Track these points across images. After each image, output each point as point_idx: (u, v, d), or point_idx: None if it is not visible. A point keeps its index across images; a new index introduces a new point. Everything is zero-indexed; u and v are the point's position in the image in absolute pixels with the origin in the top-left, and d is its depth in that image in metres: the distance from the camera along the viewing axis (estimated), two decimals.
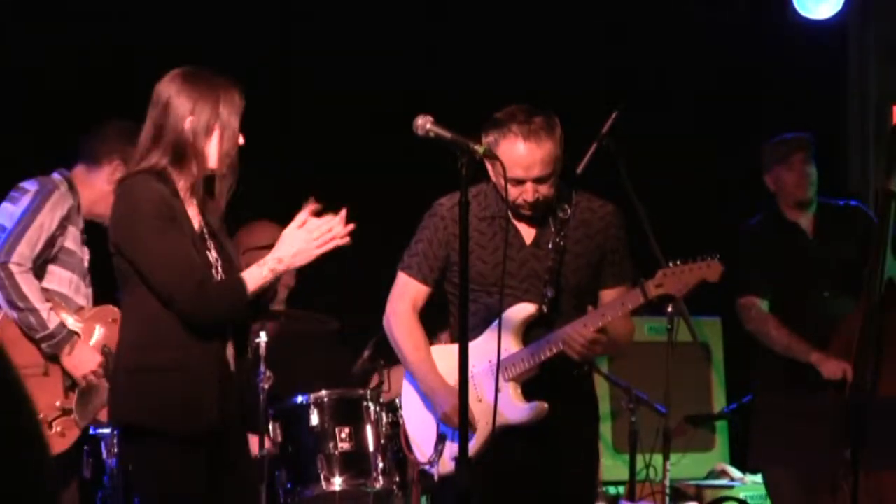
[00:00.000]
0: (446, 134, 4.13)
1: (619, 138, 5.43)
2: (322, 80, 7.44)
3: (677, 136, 7.85)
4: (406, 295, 4.87)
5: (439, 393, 4.75)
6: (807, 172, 6.19)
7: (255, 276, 4.22)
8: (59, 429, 5.22)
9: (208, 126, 4.22)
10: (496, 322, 4.64)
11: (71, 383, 5.29)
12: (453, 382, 4.47)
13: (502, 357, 4.57)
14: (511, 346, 4.70)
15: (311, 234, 4.23)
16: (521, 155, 4.58)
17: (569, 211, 4.80)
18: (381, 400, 6.05)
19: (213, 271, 4.28)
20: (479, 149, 4.17)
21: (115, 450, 5.76)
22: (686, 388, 7.29)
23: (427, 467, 4.87)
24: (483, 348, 4.66)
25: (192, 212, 4.29)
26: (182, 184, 4.25)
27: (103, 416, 5.33)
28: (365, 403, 6.07)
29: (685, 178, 7.84)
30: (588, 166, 5.54)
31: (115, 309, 5.38)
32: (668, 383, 6.33)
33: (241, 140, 4.28)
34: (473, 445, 4.56)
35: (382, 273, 5.01)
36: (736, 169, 7.94)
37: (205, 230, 4.32)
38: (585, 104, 6.26)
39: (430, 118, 4.15)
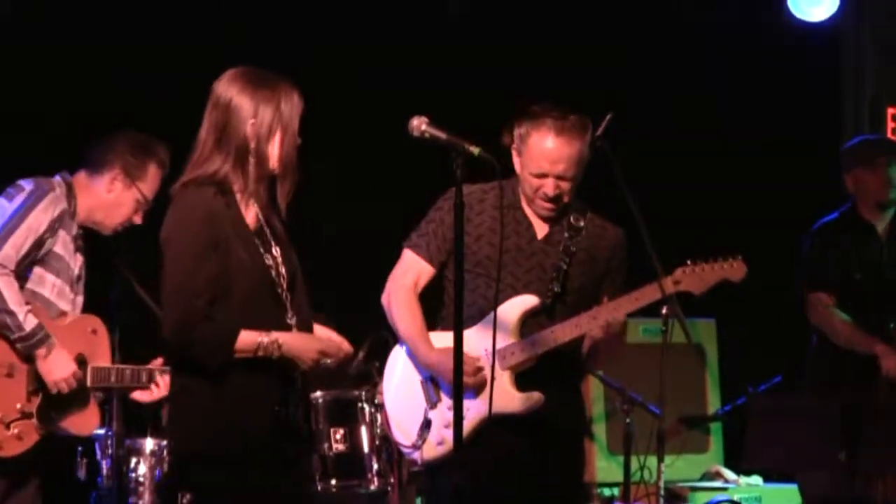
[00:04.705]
0: (441, 135, 4.13)
1: (614, 140, 5.43)
2: (321, 79, 7.42)
3: (671, 139, 7.85)
4: (409, 272, 4.87)
5: (443, 366, 4.66)
6: (890, 175, 6.29)
7: (248, 340, 4.12)
8: (16, 431, 5.13)
9: (271, 128, 4.16)
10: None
11: (34, 388, 5.19)
12: None
13: (500, 346, 4.60)
14: (509, 336, 4.71)
15: (320, 351, 4.22)
16: (549, 149, 4.67)
17: (582, 223, 4.86)
18: (376, 401, 6.04)
19: (273, 272, 4.20)
20: (474, 150, 4.16)
21: (110, 451, 5.75)
22: (680, 389, 7.28)
23: (408, 451, 4.86)
24: (482, 336, 4.66)
25: (251, 215, 4.21)
26: (240, 187, 4.18)
27: (73, 427, 5.29)
28: (360, 404, 6.07)
29: (679, 180, 7.84)
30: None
31: (97, 319, 5.38)
32: (662, 385, 6.29)
33: (298, 141, 4.22)
34: (465, 429, 4.55)
35: (377, 273, 5.01)
36: (732, 170, 7.95)
37: (266, 231, 4.24)
38: (579, 106, 6.26)
39: (424, 119, 4.15)
